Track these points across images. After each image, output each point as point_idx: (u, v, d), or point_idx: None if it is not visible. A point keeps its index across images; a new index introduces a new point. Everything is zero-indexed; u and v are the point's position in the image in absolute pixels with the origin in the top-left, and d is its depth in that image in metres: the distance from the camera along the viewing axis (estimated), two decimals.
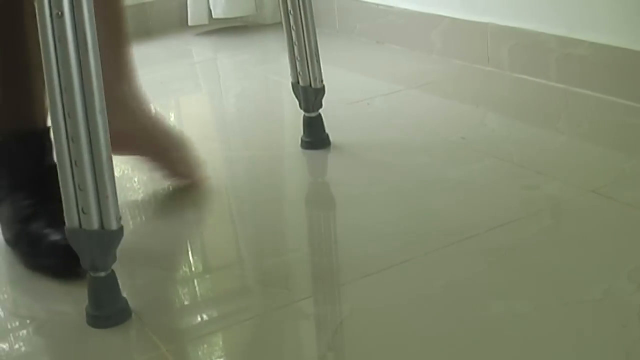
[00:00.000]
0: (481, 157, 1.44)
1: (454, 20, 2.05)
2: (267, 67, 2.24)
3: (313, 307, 1.04)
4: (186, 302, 1.10)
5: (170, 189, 1.43)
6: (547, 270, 1.06)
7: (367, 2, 2.34)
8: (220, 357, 0.97)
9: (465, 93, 1.84)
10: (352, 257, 1.15)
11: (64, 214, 0.98)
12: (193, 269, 1.19)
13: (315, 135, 1.55)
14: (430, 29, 2.12)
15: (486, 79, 1.91)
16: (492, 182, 1.34)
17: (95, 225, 0.97)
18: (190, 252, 1.24)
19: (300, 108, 1.54)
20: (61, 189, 0.96)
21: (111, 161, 0.96)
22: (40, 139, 1.24)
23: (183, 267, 1.20)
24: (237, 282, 1.14)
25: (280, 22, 1.53)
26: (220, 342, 1.00)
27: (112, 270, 1.01)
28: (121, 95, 1.33)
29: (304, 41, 1.48)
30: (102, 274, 1.00)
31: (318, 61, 1.50)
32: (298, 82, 1.53)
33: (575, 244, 1.12)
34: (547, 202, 1.25)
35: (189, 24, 2.65)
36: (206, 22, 2.65)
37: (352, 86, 1.94)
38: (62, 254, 1.11)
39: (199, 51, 2.54)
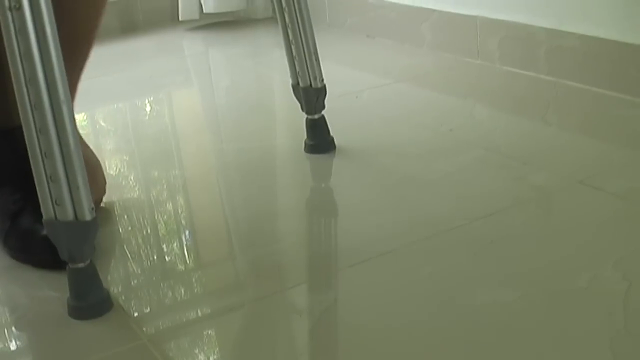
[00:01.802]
0: (469, 149, 1.43)
1: (443, 13, 2.04)
2: (258, 62, 2.23)
3: (297, 296, 1.03)
4: (169, 293, 1.09)
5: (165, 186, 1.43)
6: (532, 260, 1.05)
7: None
8: (202, 346, 0.96)
9: (454, 86, 1.84)
10: (338, 247, 1.15)
11: (41, 206, 0.98)
12: (177, 259, 1.18)
13: (319, 139, 1.48)
14: (420, 22, 2.11)
15: (476, 71, 1.91)
16: (480, 173, 1.33)
17: (70, 216, 0.97)
18: (175, 244, 1.23)
19: (302, 111, 1.47)
20: (35, 181, 0.97)
21: (80, 151, 0.96)
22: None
23: (167, 258, 1.19)
24: (220, 273, 1.14)
25: (271, 17, 1.50)
26: (202, 331, 0.99)
27: (91, 261, 1.01)
28: None
29: (301, 39, 1.41)
30: (81, 264, 1.00)
31: (317, 59, 1.43)
32: (298, 84, 1.45)
33: (562, 234, 1.12)
34: (534, 193, 1.24)
35: (180, 18, 2.64)
36: (197, 17, 2.64)
37: (341, 79, 1.93)
38: (52, 249, 1.10)
39: (190, 46, 2.53)
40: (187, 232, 1.28)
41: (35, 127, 0.95)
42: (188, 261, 1.18)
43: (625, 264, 1.02)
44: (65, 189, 0.96)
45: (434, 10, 2.06)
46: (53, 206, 0.97)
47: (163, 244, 1.24)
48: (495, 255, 1.08)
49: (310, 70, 1.44)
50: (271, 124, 1.75)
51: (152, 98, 2.01)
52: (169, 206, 1.36)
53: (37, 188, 0.97)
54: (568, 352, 0.86)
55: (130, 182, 1.47)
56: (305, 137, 1.50)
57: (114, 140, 1.69)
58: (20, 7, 0.91)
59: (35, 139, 0.95)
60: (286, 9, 1.40)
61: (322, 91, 1.45)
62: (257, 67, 2.18)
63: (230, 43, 2.48)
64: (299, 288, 1.05)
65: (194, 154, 1.61)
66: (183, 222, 1.32)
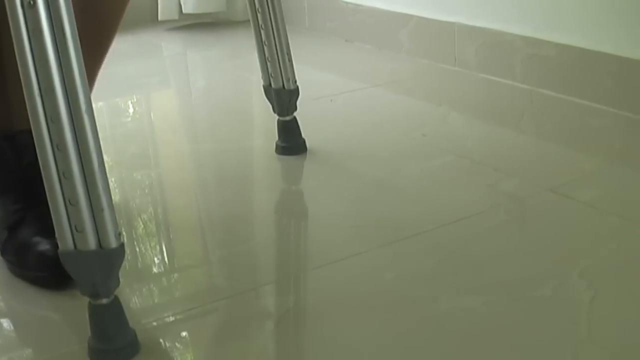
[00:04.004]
0: (440, 154, 1.43)
1: (422, 19, 2.04)
2: (236, 64, 2.23)
3: (260, 298, 1.02)
4: (132, 291, 1.07)
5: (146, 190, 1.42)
6: (498, 266, 1.05)
7: (336, 1, 2.33)
8: (172, 344, 0.95)
9: (430, 91, 1.84)
10: (303, 249, 1.14)
11: (56, 235, 0.86)
12: (145, 259, 1.17)
13: (291, 140, 1.46)
14: (399, 27, 2.11)
15: (452, 78, 1.91)
16: (450, 178, 1.33)
17: (92, 244, 0.85)
18: (149, 244, 1.22)
19: (274, 112, 1.45)
20: (50, 205, 0.84)
21: (104, 169, 0.85)
22: (31, 138, 1.18)
23: (141, 259, 1.18)
24: (186, 274, 1.12)
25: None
26: (173, 330, 0.97)
27: (116, 296, 0.89)
28: None
29: (275, 40, 1.39)
30: (105, 300, 0.87)
31: (290, 60, 1.41)
32: (270, 85, 1.43)
33: (529, 241, 1.11)
34: (503, 199, 1.24)
35: (159, 19, 2.62)
36: (176, 17, 2.62)
37: (318, 83, 1.93)
38: (50, 266, 1.04)
39: (169, 46, 2.52)
40: (161, 233, 1.26)
41: (52, 143, 0.82)
42: (156, 260, 1.17)
43: (591, 272, 1.01)
44: (87, 214, 0.84)
45: (412, 16, 2.06)
46: (72, 234, 0.84)
47: (137, 244, 1.22)
48: (461, 261, 1.07)
49: (283, 72, 1.42)
50: (246, 125, 1.74)
51: (129, 98, 1.99)
52: (144, 207, 1.35)
53: (52, 213, 0.84)
54: (531, 359, 0.86)
55: (113, 184, 1.45)
56: (277, 138, 1.48)
57: None
58: (34, 4, 0.79)
59: (51, 157, 0.83)
60: (259, 9, 1.39)
61: (294, 93, 1.44)
62: (235, 69, 2.17)
63: (209, 44, 2.47)
64: (265, 289, 1.04)
65: (169, 154, 1.60)
66: (157, 222, 1.30)
